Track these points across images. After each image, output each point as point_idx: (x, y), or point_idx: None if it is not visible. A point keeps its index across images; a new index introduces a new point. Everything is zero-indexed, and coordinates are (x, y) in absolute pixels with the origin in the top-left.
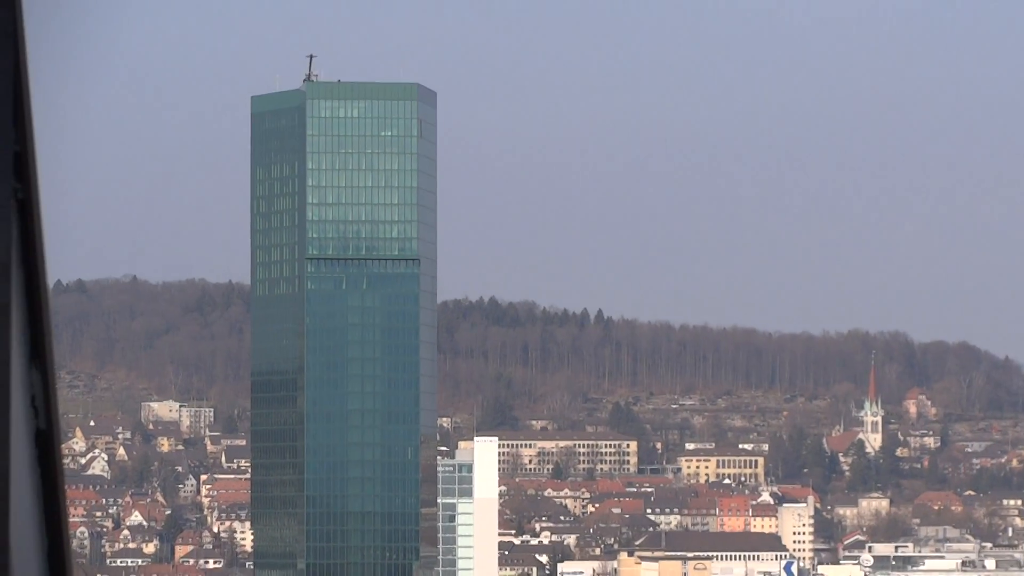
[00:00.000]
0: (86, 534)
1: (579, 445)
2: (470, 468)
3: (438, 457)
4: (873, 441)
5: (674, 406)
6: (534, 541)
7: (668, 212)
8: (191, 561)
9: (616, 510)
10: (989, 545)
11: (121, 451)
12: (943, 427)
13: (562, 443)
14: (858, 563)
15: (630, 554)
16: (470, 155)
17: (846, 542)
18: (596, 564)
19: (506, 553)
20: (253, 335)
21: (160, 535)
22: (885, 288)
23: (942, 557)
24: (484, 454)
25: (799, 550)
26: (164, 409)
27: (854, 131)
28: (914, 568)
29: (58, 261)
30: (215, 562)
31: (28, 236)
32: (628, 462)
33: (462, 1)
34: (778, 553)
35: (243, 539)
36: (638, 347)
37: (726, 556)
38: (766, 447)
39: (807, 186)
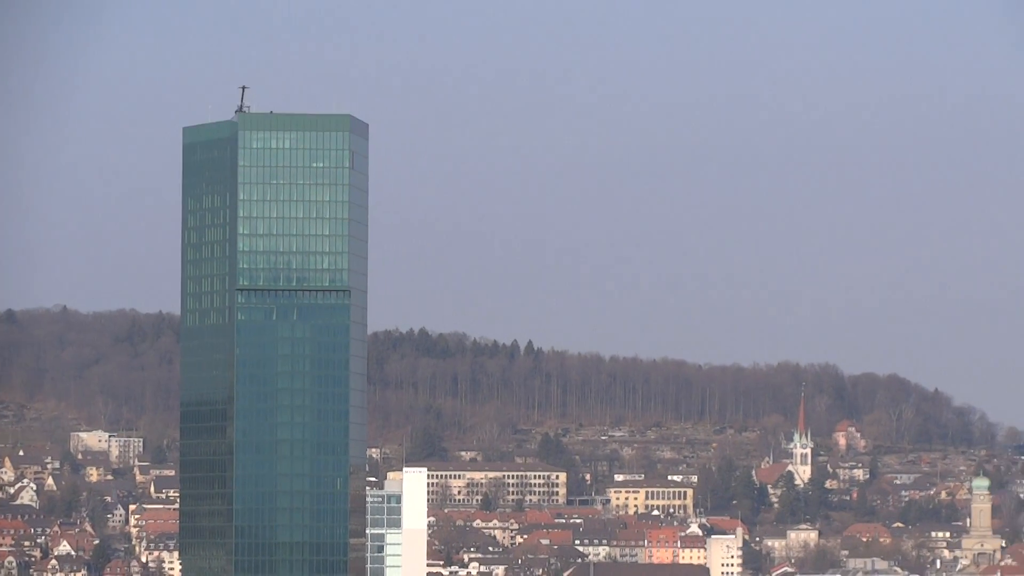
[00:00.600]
0: (14, 564)
1: (508, 476)
2: (399, 499)
3: (367, 488)
4: (802, 473)
5: (603, 437)
6: (463, 572)
7: (597, 244)
8: None
9: (545, 541)
10: None
11: (50, 481)
12: (872, 459)
13: (491, 474)
14: None
15: None
16: (402, 187)
17: (775, 574)
18: None
19: None
20: (183, 365)
21: (88, 565)
22: (815, 320)
23: None
24: (413, 485)
25: None
26: (93, 439)
27: (784, 167)
28: None
29: None
30: None
31: None
32: (557, 493)
33: (394, 33)
34: None
35: (171, 569)
36: (568, 378)
37: None
38: (695, 479)
39: (737, 219)
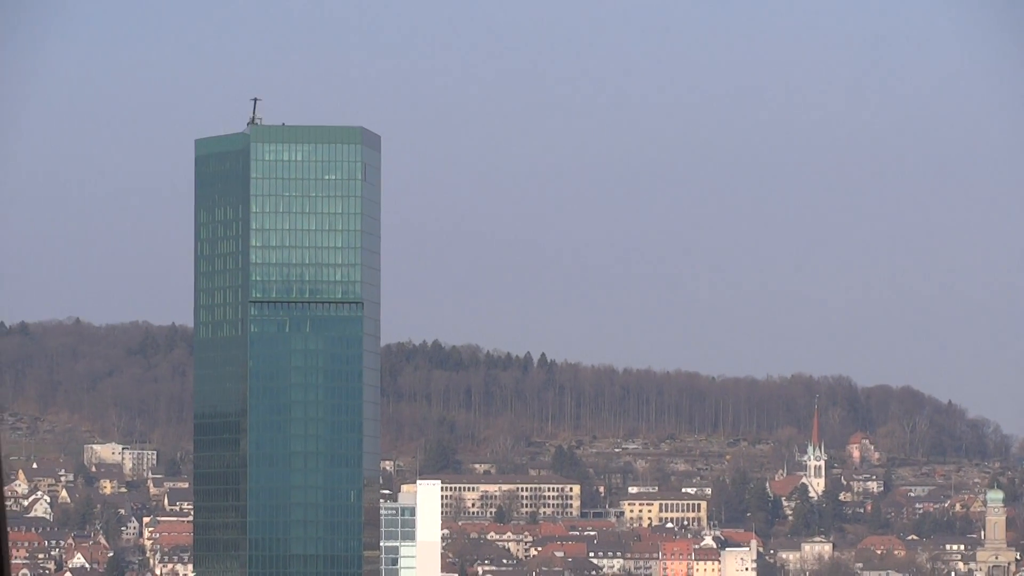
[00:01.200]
0: None
1: (522, 488)
2: (413, 511)
3: (381, 500)
4: (816, 485)
5: (617, 450)
6: None
7: (610, 256)
8: None
9: (559, 553)
10: None
11: (64, 493)
12: (886, 472)
13: (505, 486)
14: None
15: None
16: (414, 198)
17: None
18: None
19: None
20: (196, 377)
21: None
22: (829, 332)
23: None
24: (427, 497)
25: None
26: (107, 451)
27: (799, 179)
28: None
29: (1, 303)
30: None
31: None
32: (571, 505)
33: (406, 46)
34: None
35: None
36: (581, 391)
37: None
38: (709, 491)
39: (751, 231)
